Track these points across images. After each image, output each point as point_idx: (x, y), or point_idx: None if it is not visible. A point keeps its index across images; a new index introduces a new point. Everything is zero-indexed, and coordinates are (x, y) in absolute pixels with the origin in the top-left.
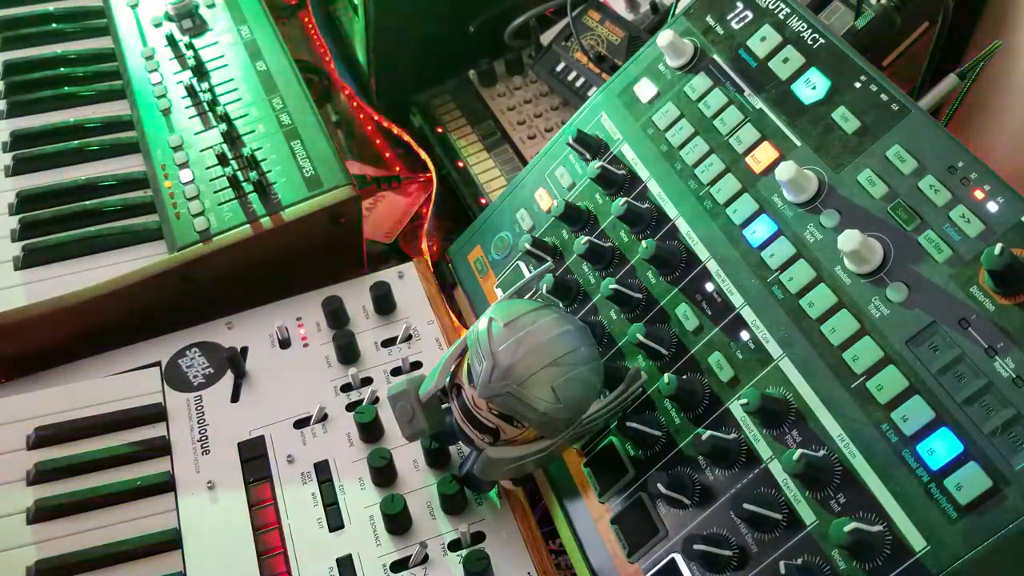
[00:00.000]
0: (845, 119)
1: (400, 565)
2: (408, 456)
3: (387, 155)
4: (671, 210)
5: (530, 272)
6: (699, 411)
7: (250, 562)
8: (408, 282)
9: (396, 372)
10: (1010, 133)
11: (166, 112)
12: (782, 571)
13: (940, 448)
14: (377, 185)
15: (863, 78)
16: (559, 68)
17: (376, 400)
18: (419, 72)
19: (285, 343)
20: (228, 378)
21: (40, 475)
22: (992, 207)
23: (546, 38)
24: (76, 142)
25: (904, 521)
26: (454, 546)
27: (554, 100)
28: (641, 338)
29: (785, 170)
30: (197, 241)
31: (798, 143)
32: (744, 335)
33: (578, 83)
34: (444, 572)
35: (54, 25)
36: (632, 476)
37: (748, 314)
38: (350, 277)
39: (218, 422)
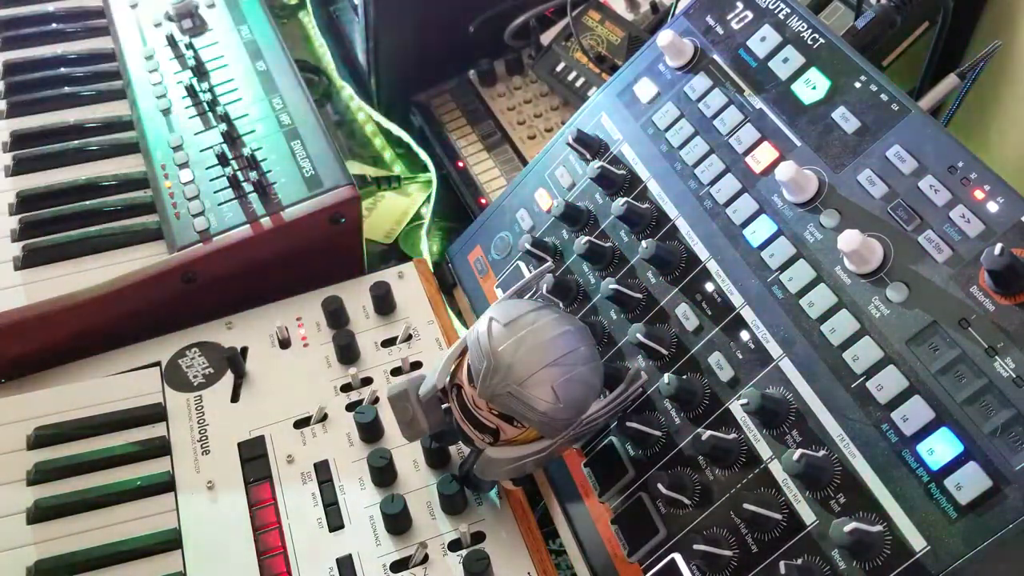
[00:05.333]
0: (845, 119)
1: (400, 565)
2: (408, 456)
3: (387, 155)
4: (671, 210)
5: (530, 272)
6: (699, 411)
7: (250, 562)
8: (408, 282)
9: (396, 372)
10: (1010, 133)
11: (166, 112)
12: (782, 571)
13: (940, 448)
14: (377, 185)
15: (863, 78)
16: (559, 68)
17: (376, 400)
18: (419, 72)
19: (285, 343)
20: (228, 378)
21: (40, 475)
22: (992, 207)
23: (546, 38)
24: (76, 142)
25: (904, 521)
26: (454, 546)
27: (554, 100)
28: (641, 338)
29: (785, 170)
30: (197, 241)
31: (798, 143)
32: (744, 335)
33: (578, 83)
34: (444, 572)
35: (54, 25)
36: (632, 476)
37: (748, 314)
38: (350, 277)
39: (218, 422)
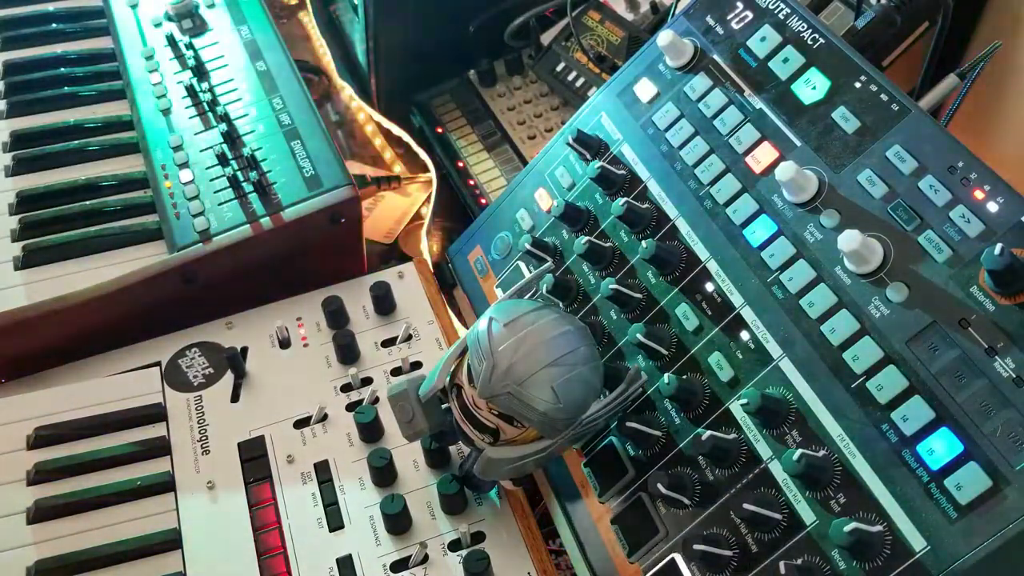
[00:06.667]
0: (845, 119)
1: (400, 565)
2: (408, 456)
3: (387, 155)
4: (671, 210)
5: (530, 272)
6: (699, 411)
7: (250, 562)
8: (408, 282)
9: (396, 372)
10: (1010, 133)
11: (166, 112)
12: (782, 571)
13: (940, 448)
14: (377, 185)
15: (863, 78)
16: (559, 68)
17: (376, 400)
18: (419, 72)
19: (285, 343)
20: (228, 378)
21: (40, 475)
22: (992, 207)
23: (546, 38)
24: (76, 142)
25: (904, 521)
26: (454, 546)
27: (554, 100)
28: (641, 338)
29: (785, 170)
30: (197, 241)
31: (798, 143)
32: (744, 335)
33: (578, 83)
34: (444, 572)
35: (54, 25)
36: (632, 476)
37: (748, 314)
38: (350, 277)
39: (218, 422)
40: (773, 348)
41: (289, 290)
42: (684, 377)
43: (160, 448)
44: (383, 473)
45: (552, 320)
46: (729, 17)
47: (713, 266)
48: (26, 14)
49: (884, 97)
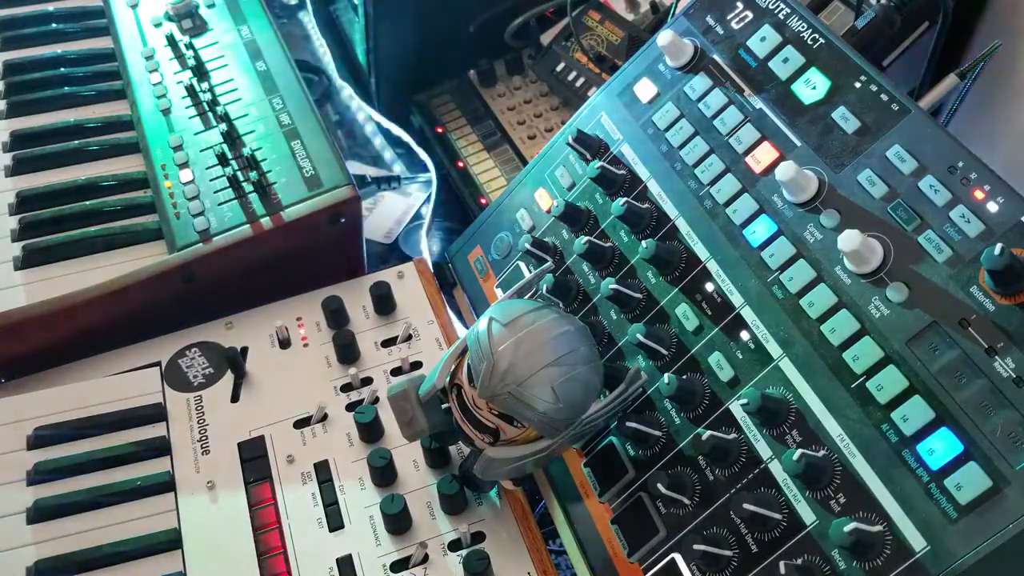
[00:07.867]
0: (845, 119)
1: (400, 565)
2: (408, 456)
3: (387, 155)
4: (671, 210)
5: (530, 272)
6: (699, 411)
7: (250, 562)
8: (408, 282)
9: (396, 372)
10: (1010, 133)
11: (166, 112)
12: (782, 571)
13: (940, 448)
14: (377, 185)
15: (863, 78)
16: (559, 68)
17: (376, 400)
18: (419, 72)
19: (285, 343)
20: (228, 378)
21: (40, 475)
22: (992, 207)
23: (546, 38)
24: (76, 142)
25: (904, 521)
26: (454, 546)
27: (554, 100)
28: (641, 338)
29: (785, 170)
30: (197, 241)
31: (798, 143)
32: (744, 335)
33: (578, 83)
34: (444, 572)
35: (54, 25)
36: (632, 476)
37: (748, 314)
38: (350, 277)
39: (218, 422)
40: (773, 348)
41: (289, 290)
42: (684, 377)
43: (160, 448)
44: (383, 473)
45: (552, 320)
46: (729, 17)
47: (713, 266)
48: (26, 14)
49: (884, 97)
